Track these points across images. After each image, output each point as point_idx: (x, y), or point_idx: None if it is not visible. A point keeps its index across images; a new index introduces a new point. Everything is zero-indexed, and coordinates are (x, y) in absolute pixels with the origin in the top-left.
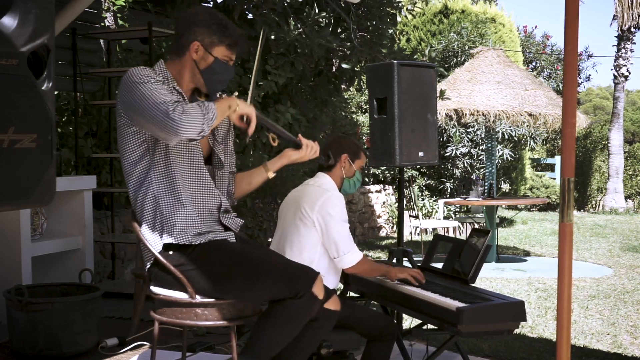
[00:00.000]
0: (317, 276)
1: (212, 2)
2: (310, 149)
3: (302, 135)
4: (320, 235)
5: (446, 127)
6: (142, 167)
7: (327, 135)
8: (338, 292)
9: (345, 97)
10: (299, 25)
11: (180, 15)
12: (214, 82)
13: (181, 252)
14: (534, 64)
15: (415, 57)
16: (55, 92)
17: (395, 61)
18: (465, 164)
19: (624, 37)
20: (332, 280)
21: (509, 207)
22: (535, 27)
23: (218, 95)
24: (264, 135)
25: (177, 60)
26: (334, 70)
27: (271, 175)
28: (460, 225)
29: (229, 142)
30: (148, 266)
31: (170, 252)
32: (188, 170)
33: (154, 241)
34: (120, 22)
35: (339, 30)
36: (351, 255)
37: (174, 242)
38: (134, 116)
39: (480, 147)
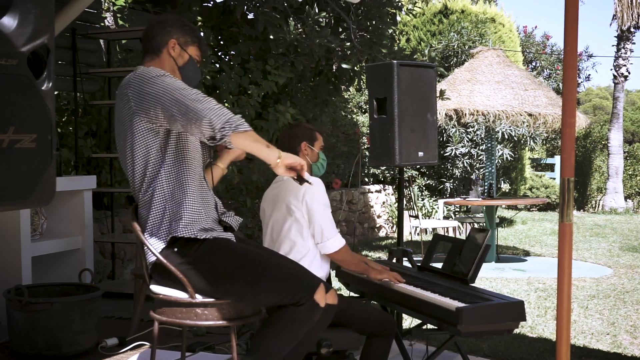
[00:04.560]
0: (319, 284)
1: (212, 2)
2: (238, 152)
3: None
4: (307, 225)
5: (446, 127)
6: (154, 164)
7: (327, 135)
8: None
9: (345, 97)
10: (298, 25)
11: (150, 21)
12: (189, 79)
13: (185, 249)
14: (533, 64)
15: (415, 57)
16: (55, 92)
17: (395, 61)
18: (465, 164)
19: (623, 37)
20: (324, 270)
21: (509, 207)
22: (535, 27)
23: None
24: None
25: (155, 59)
26: (334, 70)
27: (225, 171)
28: (460, 225)
29: None
30: (150, 264)
31: (175, 249)
32: (194, 169)
33: (158, 237)
34: (120, 22)
35: (339, 30)
36: (335, 241)
37: (180, 236)
38: (154, 108)
39: (480, 147)
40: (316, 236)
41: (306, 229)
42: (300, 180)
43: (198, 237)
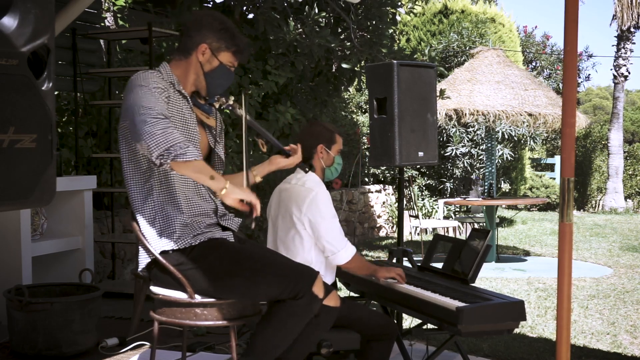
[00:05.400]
0: (316, 276)
1: (211, 2)
2: (297, 157)
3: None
4: (312, 236)
5: (446, 127)
6: (144, 170)
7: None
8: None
9: (345, 97)
10: (298, 25)
11: (192, 16)
12: (215, 85)
13: (181, 251)
14: (534, 64)
15: (415, 57)
16: (55, 92)
17: (395, 61)
18: (465, 164)
19: (623, 37)
20: (328, 277)
21: (509, 207)
22: (535, 27)
23: (216, 99)
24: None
25: (182, 60)
26: (334, 70)
27: (258, 179)
28: (460, 225)
29: (222, 143)
30: (145, 265)
31: (170, 252)
32: (187, 179)
33: (154, 243)
34: (120, 22)
35: (339, 30)
36: (345, 252)
37: (175, 248)
38: (125, 116)
39: (480, 147)
40: (326, 251)
41: (307, 240)
42: (250, 214)
43: (192, 244)
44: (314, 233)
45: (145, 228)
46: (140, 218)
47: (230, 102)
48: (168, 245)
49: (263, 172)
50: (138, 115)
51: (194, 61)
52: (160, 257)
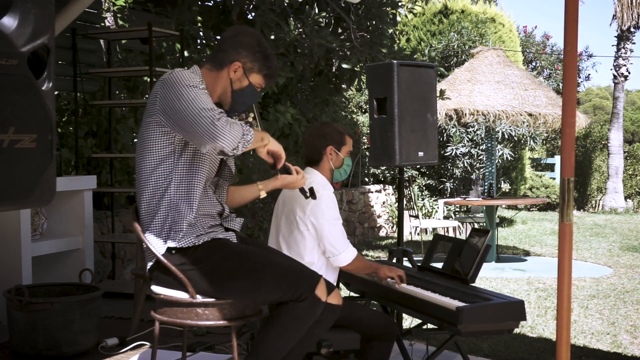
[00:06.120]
0: (319, 279)
1: (212, 2)
2: (300, 176)
3: (302, 135)
4: (315, 238)
5: (446, 127)
6: (163, 169)
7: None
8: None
9: (346, 96)
10: (298, 25)
11: (229, 30)
12: (239, 103)
13: (184, 252)
14: (534, 64)
15: (415, 57)
16: (56, 92)
17: (395, 61)
18: (465, 164)
19: (623, 37)
20: (331, 277)
21: (509, 207)
22: (535, 27)
23: (236, 114)
24: None
25: (214, 71)
26: (334, 70)
27: (263, 194)
28: (460, 225)
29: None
30: (149, 266)
31: (173, 252)
32: (203, 179)
33: (157, 243)
34: (120, 22)
35: (339, 30)
36: (346, 254)
37: (178, 246)
38: (172, 118)
39: (480, 147)
40: (327, 252)
41: (310, 241)
42: (274, 167)
43: (195, 243)
44: (317, 234)
45: (154, 225)
46: (149, 214)
47: (250, 120)
48: (172, 243)
49: (268, 187)
50: (203, 116)
51: (225, 76)
52: (162, 258)
